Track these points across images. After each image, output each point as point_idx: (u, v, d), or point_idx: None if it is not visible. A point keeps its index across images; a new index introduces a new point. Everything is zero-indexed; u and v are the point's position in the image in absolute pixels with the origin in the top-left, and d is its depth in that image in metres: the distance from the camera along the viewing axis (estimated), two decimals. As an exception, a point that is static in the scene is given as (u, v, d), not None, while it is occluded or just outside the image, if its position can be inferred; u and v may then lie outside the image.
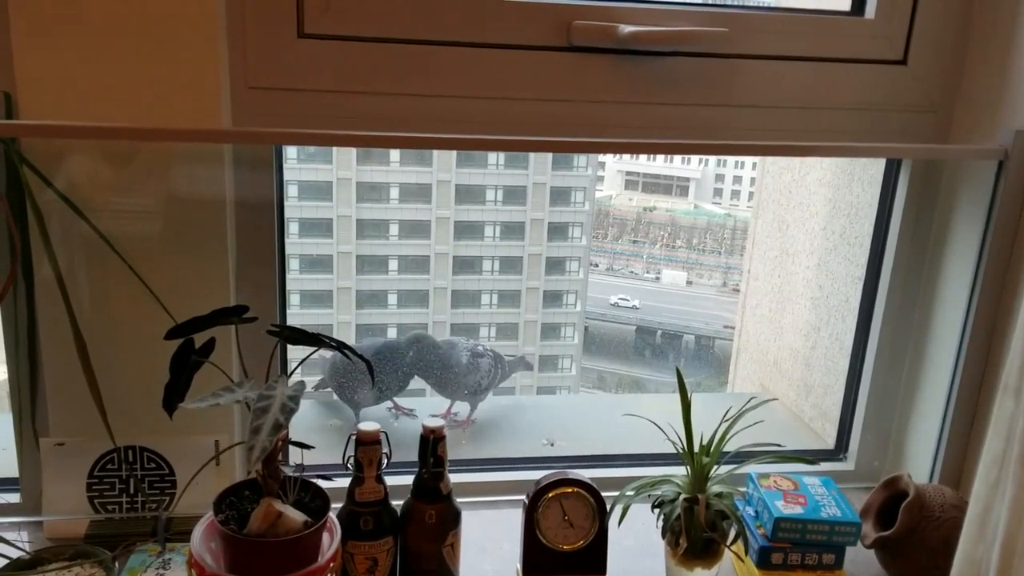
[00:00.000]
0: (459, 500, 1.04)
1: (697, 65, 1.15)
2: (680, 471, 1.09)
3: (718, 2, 1.22)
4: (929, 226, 1.28)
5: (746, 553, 1.11)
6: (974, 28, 1.19)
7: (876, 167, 1.34)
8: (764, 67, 1.17)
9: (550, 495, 1.04)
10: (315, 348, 0.94)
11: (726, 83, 1.17)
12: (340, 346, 0.95)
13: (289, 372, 1.07)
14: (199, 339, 0.93)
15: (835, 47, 1.18)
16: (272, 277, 1.17)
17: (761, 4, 1.20)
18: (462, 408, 1.56)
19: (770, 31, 1.16)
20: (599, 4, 1.12)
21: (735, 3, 1.19)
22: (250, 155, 1.11)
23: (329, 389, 1.52)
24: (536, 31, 1.11)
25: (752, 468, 1.13)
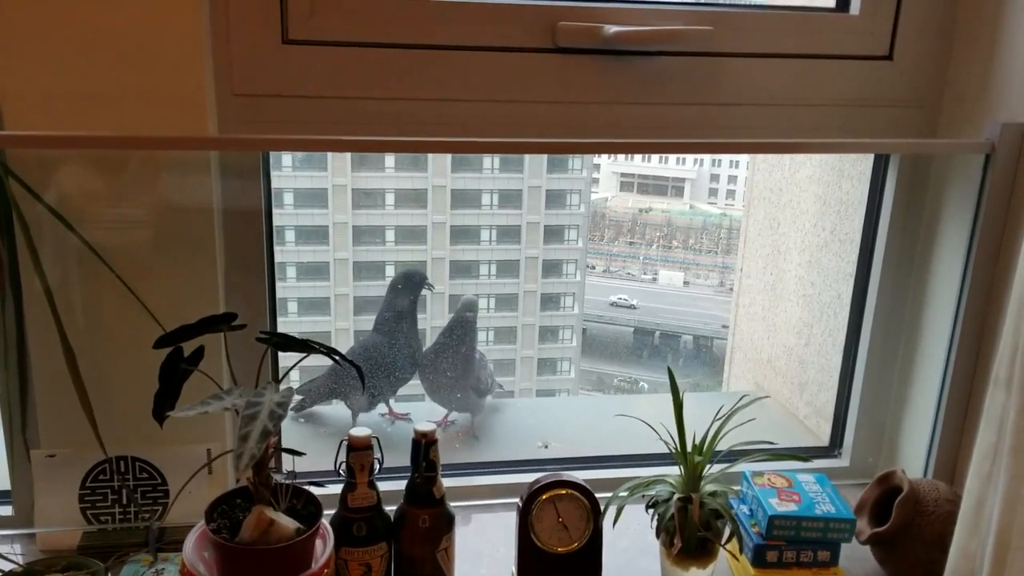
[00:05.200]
0: (453, 504, 1.04)
1: (683, 64, 1.15)
2: (674, 471, 1.09)
3: (702, 0, 1.22)
4: (918, 221, 1.28)
5: (741, 551, 1.11)
6: (959, 22, 1.19)
7: (865, 163, 1.34)
8: (750, 65, 1.17)
9: (544, 497, 1.04)
10: (304, 354, 0.94)
11: (712, 81, 1.17)
12: (330, 352, 0.95)
13: (279, 378, 1.07)
14: (188, 348, 0.93)
15: (820, 43, 1.18)
16: (262, 285, 1.17)
17: (746, 2, 1.20)
18: (460, 418, 1.55)
19: (755, 29, 1.16)
20: (584, 5, 1.12)
21: (720, 1, 1.19)
22: (237, 163, 1.11)
23: (307, 411, 1.53)
24: (521, 33, 1.11)
25: (746, 466, 1.13)
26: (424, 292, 1.52)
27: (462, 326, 1.50)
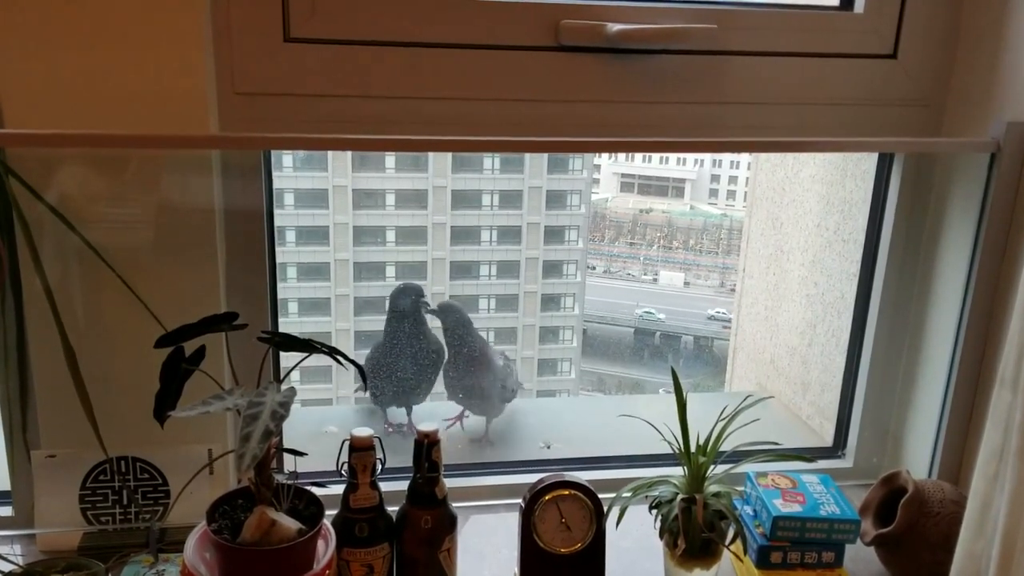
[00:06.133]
0: (455, 504, 1.04)
1: (686, 62, 1.15)
2: (677, 471, 1.08)
3: (706, -1, 1.22)
4: (923, 220, 1.27)
5: (745, 553, 1.11)
6: (964, 20, 1.19)
7: (869, 162, 1.34)
8: (754, 63, 1.17)
9: (547, 498, 1.03)
10: (306, 354, 0.94)
11: (716, 80, 1.17)
12: (332, 352, 0.94)
13: (281, 378, 1.06)
14: (189, 348, 0.92)
15: (825, 42, 1.18)
16: (263, 284, 1.16)
17: (749, 0, 1.20)
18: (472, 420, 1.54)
19: (759, 27, 1.16)
20: (587, 3, 1.12)
21: None
22: (239, 162, 1.11)
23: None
24: (525, 31, 1.11)
25: (750, 467, 1.12)
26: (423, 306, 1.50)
27: (453, 331, 1.49)
